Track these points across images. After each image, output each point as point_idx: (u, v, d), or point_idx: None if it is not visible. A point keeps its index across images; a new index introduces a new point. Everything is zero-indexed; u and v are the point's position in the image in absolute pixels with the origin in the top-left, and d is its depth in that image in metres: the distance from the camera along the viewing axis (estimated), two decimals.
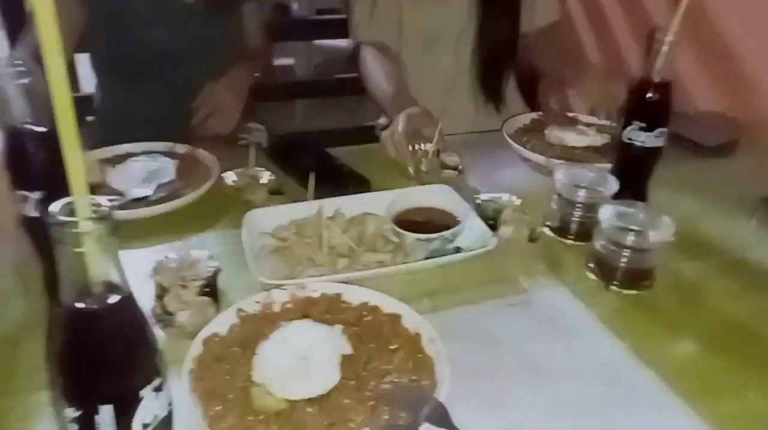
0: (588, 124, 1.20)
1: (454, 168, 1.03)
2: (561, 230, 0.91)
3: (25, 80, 0.56)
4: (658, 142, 0.90)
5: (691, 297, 0.81)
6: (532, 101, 1.51)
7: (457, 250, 0.84)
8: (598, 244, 0.81)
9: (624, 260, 0.79)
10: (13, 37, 1.42)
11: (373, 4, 1.33)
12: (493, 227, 0.87)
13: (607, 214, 0.81)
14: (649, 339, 0.72)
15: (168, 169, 0.99)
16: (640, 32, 1.63)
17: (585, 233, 0.89)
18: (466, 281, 0.81)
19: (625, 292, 0.80)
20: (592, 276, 0.82)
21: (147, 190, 0.93)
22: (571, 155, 1.10)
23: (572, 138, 1.13)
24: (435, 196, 0.92)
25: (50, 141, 0.43)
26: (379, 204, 0.88)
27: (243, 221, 0.85)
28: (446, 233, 0.84)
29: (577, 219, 0.89)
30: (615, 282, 0.80)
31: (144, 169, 0.97)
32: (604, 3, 1.79)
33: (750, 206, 1.00)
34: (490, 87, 1.38)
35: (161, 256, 0.75)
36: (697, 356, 0.71)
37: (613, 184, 0.89)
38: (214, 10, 1.34)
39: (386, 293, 0.69)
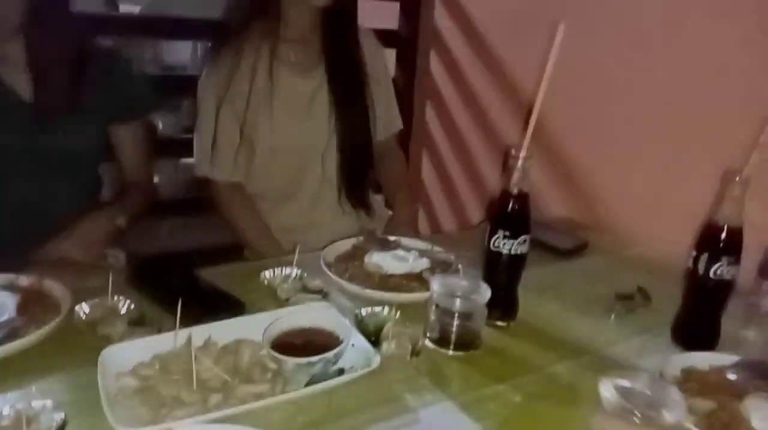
0: (409, 249, 1.14)
1: (318, 292, 1.01)
2: (441, 341, 0.91)
3: None
4: (523, 249, 0.95)
5: (566, 397, 0.83)
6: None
7: (341, 371, 0.80)
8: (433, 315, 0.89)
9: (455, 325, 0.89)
10: None
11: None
12: (375, 342, 0.85)
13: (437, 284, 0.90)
14: None
15: (6, 305, 0.86)
16: (495, 149, 1.79)
17: (465, 342, 0.90)
18: (352, 405, 0.76)
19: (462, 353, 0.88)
20: (431, 345, 0.90)
21: None
22: (389, 285, 1.03)
23: (390, 265, 1.07)
24: (314, 315, 0.88)
25: None
26: (254, 328, 0.83)
27: (98, 361, 0.75)
28: (328, 355, 0.80)
29: (456, 329, 0.90)
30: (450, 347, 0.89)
31: None
32: (462, 127, 1.96)
33: (606, 303, 1.07)
34: (353, 195, 1.40)
35: None
36: None
37: (486, 292, 0.91)
38: (61, 113, 1.15)
39: (266, 428, 0.63)
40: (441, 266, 1.10)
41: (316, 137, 1.33)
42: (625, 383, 0.73)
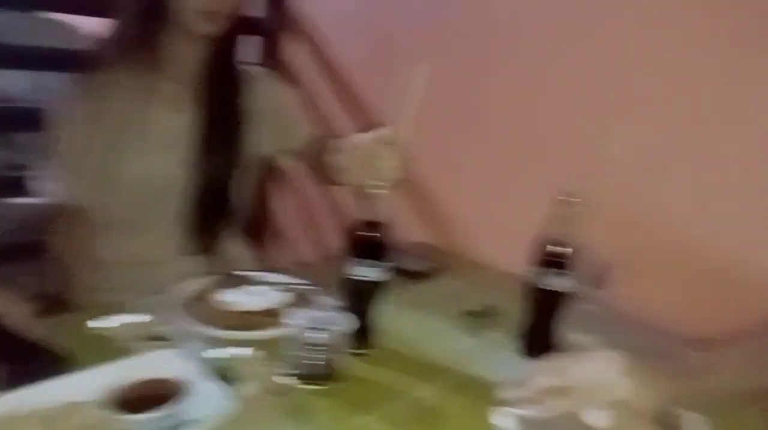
0: (264, 283, 1.10)
1: (161, 338, 0.91)
2: (304, 376, 0.86)
3: None
4: (382, 276, 0.94)
5: (433, 421, 0.82)
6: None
7: (194, 423, 0.72)
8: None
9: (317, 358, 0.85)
10: None
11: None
12: (232, 385, 0.78)
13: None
14: None
15: None
16: None
17: (328, 375, 0.86)
18: None
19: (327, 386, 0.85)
20: (293, 381, 0.84)
21: None
22: (246, 323, 0.97)
23: (245, 302, 1.01)
24: (155, 365, 0.78)
25: None
26: (85, 387, 0.71)
27: None
28: (175, 407, 0.71)
29: (318, 362, 0.86)
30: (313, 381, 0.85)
31: None
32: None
33: (461, 323, 1.10)
34: (199, 237, 1.30)
35: None
36: None
37: (346, 321, 0.89)
38: None
39: None
40: (300, 299, 1.05)
41: (175, 174, 1.24)
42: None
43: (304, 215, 2.02)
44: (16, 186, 1.40)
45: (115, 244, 1.26)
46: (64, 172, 1.20)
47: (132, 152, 1.20)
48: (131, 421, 0.68)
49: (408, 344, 1.01)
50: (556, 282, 0.96)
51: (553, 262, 0.96)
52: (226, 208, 1.30)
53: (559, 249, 0.95)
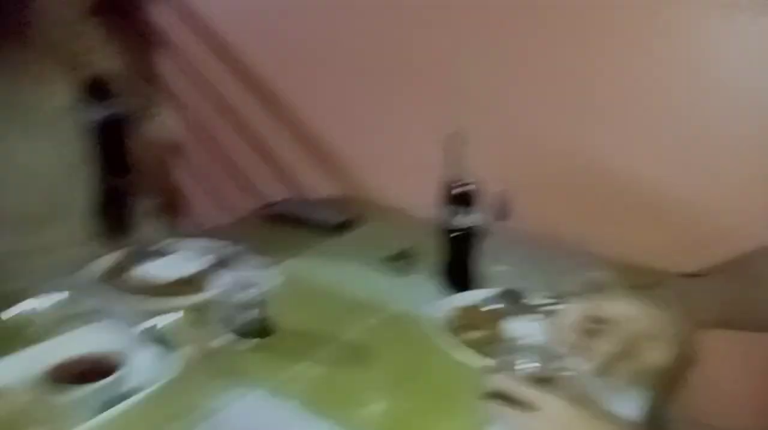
0: (186, 249, 1.09)
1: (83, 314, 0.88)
2: (238, 334, 0.88)
3: None
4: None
5: (366, 360, 0.88)
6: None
7: (134, 392, 0.73)
8: None
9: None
10: None
11: None
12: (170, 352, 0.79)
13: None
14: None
15: None
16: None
17: (261, 329, 0.89)
18: (159, 421, 0.71)
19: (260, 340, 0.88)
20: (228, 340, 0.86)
21: None
22: (172, 290, 0.97)
23: (169, 270, 1.01)
24: (85, 341, 0.78)
25: None
26: (13, 371, 0.70)
27: None
28: (112, 379, 0.71)
29: (249, 318, 0.88)
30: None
31: None
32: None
33: (382, 267, 1.16)
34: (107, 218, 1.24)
35: None
36: None
37: (273, 277, 0.91)
38: None
39: None
40: (222, 261, 1.06)
41: (69, 162, 1.16)
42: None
43: (209, 182, 1.99)
44: None
45: (18, 235, 1.18)
46: None
47: (14, 139, 1.11)
48: (70, 396, 0.68)
49: (333, 293, 1.05)
50: (464, 219, 1.03)
51: (459, 200, 1.02)
52: (130, 188, 1.25)
53: (462, 188, 1.02)
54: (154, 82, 1.28)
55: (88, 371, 0.73)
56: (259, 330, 0.89)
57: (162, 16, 1.82)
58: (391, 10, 1.48)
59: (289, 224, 1.37)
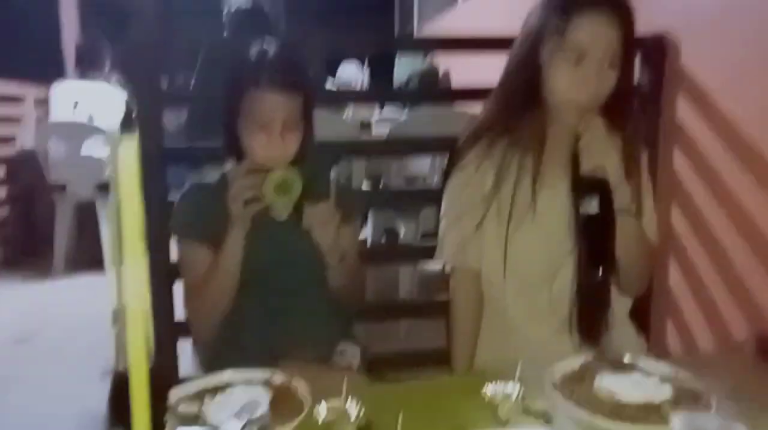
0: (648, 373, 1.02)
1: (540, 415, 0.95)
2: None
3: None
4: None
5: None
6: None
7: None
8: None
9: None
10: None
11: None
12: None
13: None
14: None
15: (262, 401, 0.99)
16: None
17: None
18: None
19: None
20: None
21: (236, 426, 0.93)
22: (622, 415, 0.91)
23: (625, 392, 0.96)
24: None
25: None
26: None
27: None
28: None
29: None
30: None
31: (238, 402, 0.98)
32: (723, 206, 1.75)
33: None
34: (586, 324, 1.28)
35: None
36: None
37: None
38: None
39: None
40: (687, 398, 0.96)
41: (559, 257, 1.27)
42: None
43: (698, 295, 1.81)
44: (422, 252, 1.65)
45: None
46: (458, 237, 1.33)
47: (522, 227, 1.28)
48: None
49: None
50: None
51: None
52: (608, 292, 1.27)
53: None
54: (637, 178, 1.30)
55: None
56: None
57: (675, 109, 1.83)
58: None
59: None
